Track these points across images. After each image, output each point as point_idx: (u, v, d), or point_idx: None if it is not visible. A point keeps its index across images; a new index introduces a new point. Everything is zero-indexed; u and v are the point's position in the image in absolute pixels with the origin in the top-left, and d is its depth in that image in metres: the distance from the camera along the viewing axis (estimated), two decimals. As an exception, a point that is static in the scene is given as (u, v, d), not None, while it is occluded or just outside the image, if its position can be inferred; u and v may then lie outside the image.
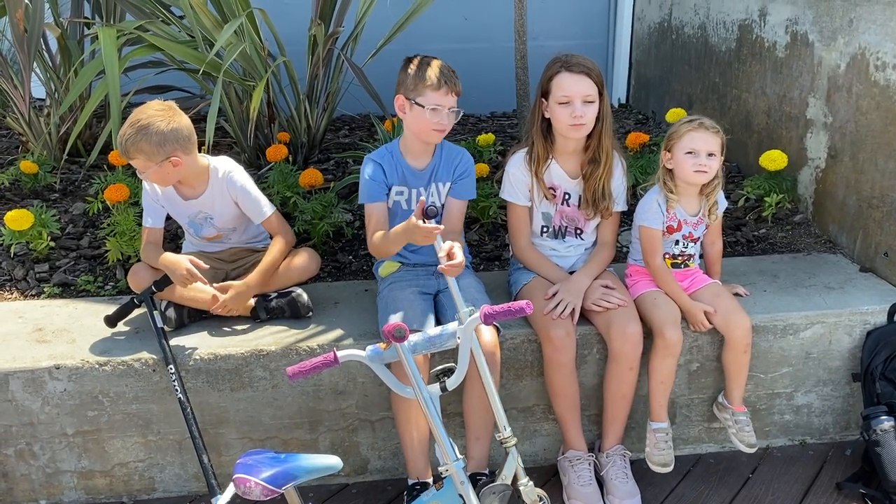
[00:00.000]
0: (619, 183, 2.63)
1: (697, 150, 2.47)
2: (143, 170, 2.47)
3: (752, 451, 2.56)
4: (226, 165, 2.63)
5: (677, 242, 2.60)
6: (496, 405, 2.15)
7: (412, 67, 2.44)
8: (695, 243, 2.63)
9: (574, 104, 2.44)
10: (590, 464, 2.52)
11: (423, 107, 2.40)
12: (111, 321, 2.57)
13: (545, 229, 2.69)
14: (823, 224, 3.21)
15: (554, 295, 2.49)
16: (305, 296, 2.62)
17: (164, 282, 2.49)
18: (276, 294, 2.65)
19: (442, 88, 2.39)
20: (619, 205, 2.67)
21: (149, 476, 2.59)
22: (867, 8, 2.83)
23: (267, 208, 2.66)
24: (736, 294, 2.68)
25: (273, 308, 2.61)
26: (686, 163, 2.49)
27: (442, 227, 2.21)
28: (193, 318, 2.62)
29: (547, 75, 2.50)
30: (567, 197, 2.64)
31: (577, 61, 2.45)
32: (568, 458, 2.54)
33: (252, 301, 2.62)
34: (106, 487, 2.60)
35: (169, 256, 2.48)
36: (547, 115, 2.53)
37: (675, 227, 2.58)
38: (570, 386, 2.49)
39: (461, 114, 2.48)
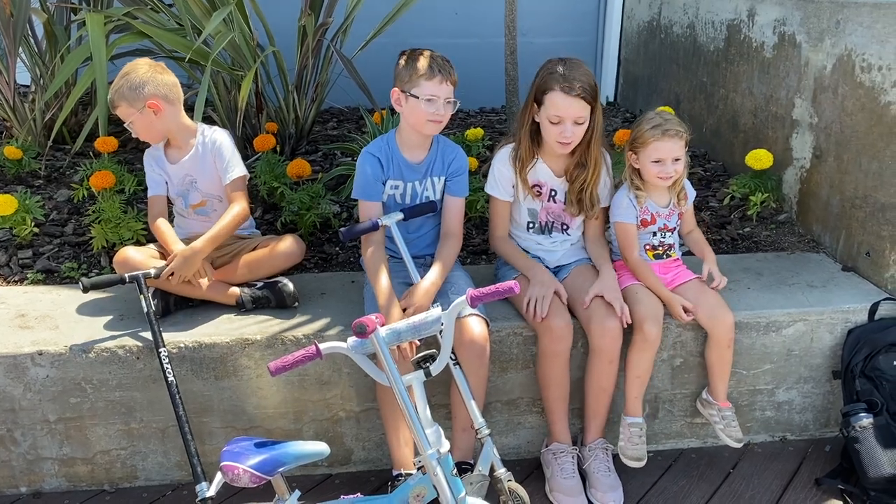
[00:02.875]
0: (603, 184, 2.64)
1: (664, 159, 2.51)
2: (127, 118, 2.55)
3: (740, 445, 2.59)
4: (213, 128, 2.70)
5: (655, 234, 2.63)
6: (467, 396, 2.23)
7: (407, 59, 2.42)
8: (672, 233, 2.66)
9: (565, 125, 2.42)
10: (573, 457, 2.53)
11: (419, 98, 2.38)
12: (89, 286, 2.43)
13: (531, 225, 2.69)
14: (807, 223, 3.25)
15: (528, 301, 2.47)
16: (291, 285, 2.62)
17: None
18: (261, 283, 2.64)
19: (436, 77, 2.37)
20: (605, 201, 2.68)
21: (131, 464, 2.58)
22: (854, 10, 2.86)
23: (235, 171, 2.63)
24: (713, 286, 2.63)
25: (259, 297, 2.61)
26: (652, 169, 2.54)
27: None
28: (179, 305, 2.61)
29: (542, 86, 2.44)
30: (553, 194, 2.64)
31: (574, 81, 2.38)
32: (552, 450, 2.55)
33: (237, 290, 2.62)
34: (87, 475, 2.58)
35: (186, 249, 2.51)
36: (537, 120, 2.52)
37: (649, 220, 2.61)
38: (564, 376, 2.50)
39: (458, 105, 2.46)
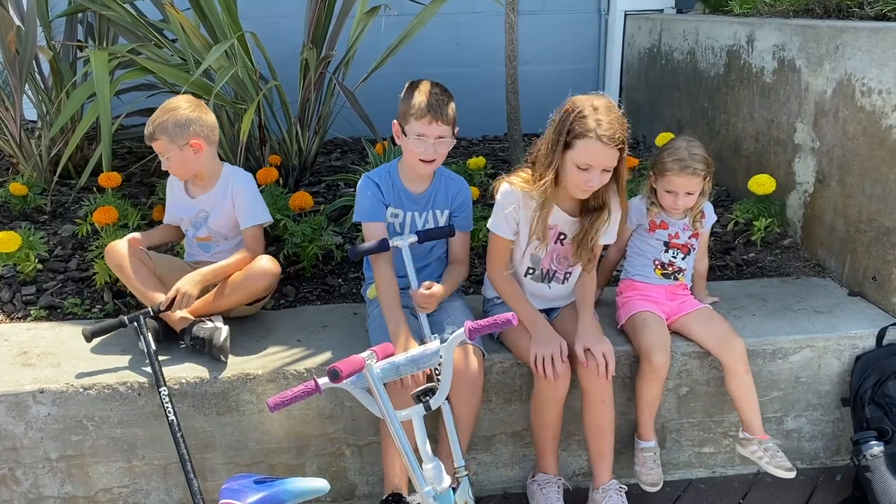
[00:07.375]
0: (610, 234, 2.51)
1: (677, 192, 2.55)
2: (164, 153, 2.58)
3: (792, 475, 2.43)
4: (240, 170, 2.75)
5: (667, 250, 2.62)
6: (452, 436, 2.11)
7: (406, 93, 2.38)
8: (687, 256, 2.64)
9: (592, 173, 2.27)
10: (559, 487, 2.49)
11: (408, 136, 2.37)
12: (90, 335, 2.49)
13: (531, 271, 2.55)
14: (812, 248, 3.22)
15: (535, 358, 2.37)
16: (224, 339, 2.47)
17: (167, 306, 2.49)
18: (209, 324, 2.55)
19: (425, 117, 2.32)
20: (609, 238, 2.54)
21: (133, 502, 2.56)
22: (852, 35, 2.86)
23: (254, 219, 2.67)
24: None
25: (196, 337, 2.50)
26: (665, 199, 2.59)
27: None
28: (168, 336, 2.58)
29: (573, 129, 2.25)
30: (562, 237, 2.50)
31: (609, 129, 2.22)
32: (537, 481, 2.51)
33: (187, 319, 2.56)
34: (89, 513, 2.56)
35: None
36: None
37: (658, 224, 2.64)
38: (558, 419, 2.45)
39: (453, 143, 2.42)
